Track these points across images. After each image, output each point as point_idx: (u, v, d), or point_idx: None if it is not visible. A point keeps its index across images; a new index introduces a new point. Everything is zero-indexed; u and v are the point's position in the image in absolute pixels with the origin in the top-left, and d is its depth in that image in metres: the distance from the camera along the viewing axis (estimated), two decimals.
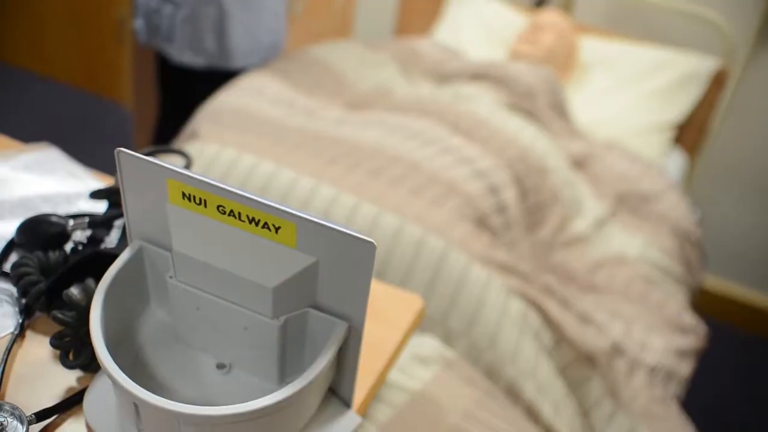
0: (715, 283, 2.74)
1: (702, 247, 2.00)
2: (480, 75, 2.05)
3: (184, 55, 1.96)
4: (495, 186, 1.52)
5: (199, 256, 0.63)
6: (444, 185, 1.44)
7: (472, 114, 1.75)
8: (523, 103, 1.97)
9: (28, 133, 2.98)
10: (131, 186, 0.63)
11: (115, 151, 0.61)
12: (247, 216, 0.59)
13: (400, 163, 1.48)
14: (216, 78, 1.99)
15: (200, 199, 0.60)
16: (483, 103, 1.86)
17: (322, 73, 1.95)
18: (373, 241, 0.56)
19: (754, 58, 2.48)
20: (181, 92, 2.11)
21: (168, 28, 1.96)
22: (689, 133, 2.46)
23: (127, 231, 0.67)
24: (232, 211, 0.60)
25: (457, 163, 1.52)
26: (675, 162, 2.39)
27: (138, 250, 0.67)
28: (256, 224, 0.59)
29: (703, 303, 2.37)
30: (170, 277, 0.66)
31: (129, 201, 0.65)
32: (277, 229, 0.59)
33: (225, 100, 1.72)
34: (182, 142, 1.62)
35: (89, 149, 3.02)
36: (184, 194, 0.61)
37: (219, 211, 0.60)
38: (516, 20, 2.53)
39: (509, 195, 1.55)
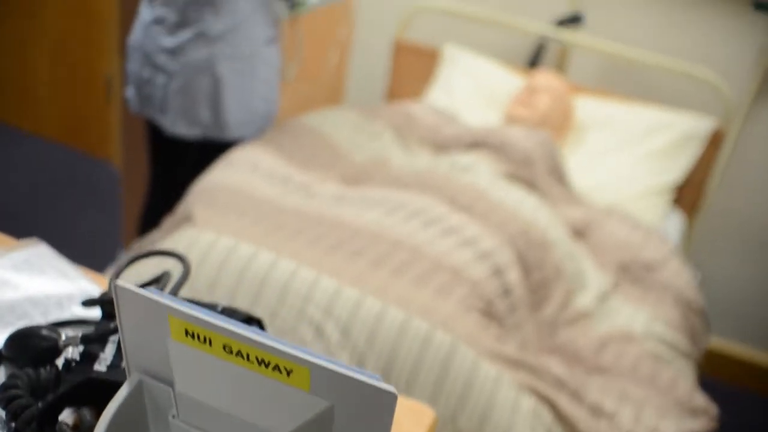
0: (718, 343, 2.70)
1: (705, 314, 1.96)
2: (477, 143, 2.03)
3: (177, 126, 1.92)
4: (499, 267, 1.48)
5: (203, 398, 0.58)
6: (448, 272, 1.41)
7: (471, 187, 1.72)
8: (521, 171, 1.94)
9: (16, 191, 2.95)
10: (130, 319, 0.59)
11: (112, 284, 0.57)
12: (256, 357, 0.55)
13: (403, 249, 1.44)
14: (210, 148, 1.95)
15: (205, 338, 0.56)
16: (482, 174, 1.83)
17: (316, 144, 1.92)
18: (393, 390, 0.52)
19: (752, 116, 2.47)
20: (173, 162, 2.07)
21: (161, 98, 1.92)
22: (687, 193, 2.44)
23: (125, 363, 0.62)
24: (239, 351, 0.55)
25: (460, 246, 1.48)
26: (674, 223, 2.37)
27: (137, 384, 0.62)
28: (266, 366, 0.55)
29: (707, 364, 2.33)
30: (173, 416, 0.61)
31: (127, 334, 0.60)
32: (288, 372, 0.54)
33: (219, 178, 1.68)
34: (176, 226, 1.57)
35: (78, 209, 2.99)
36: (187, 331, 0.57)
37: (225, 351, 0.56)
38: (510, 80, 2.52)
39: (513, 275, 1.52)
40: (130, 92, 2.03)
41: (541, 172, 2.03)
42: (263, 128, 2.03)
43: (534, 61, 2.63)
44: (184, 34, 1.86)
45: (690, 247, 2.48)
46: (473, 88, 2.52)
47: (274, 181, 1.70)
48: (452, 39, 2.72)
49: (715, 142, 2.40)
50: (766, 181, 2.56)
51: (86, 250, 2.70)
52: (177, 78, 1.89)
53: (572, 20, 2.54)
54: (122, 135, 2.47)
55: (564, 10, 2.58)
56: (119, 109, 2.40)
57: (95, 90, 3.24)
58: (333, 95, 2.69)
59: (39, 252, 0.99)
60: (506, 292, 1.50)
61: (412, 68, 2.67)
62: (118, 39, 2.43)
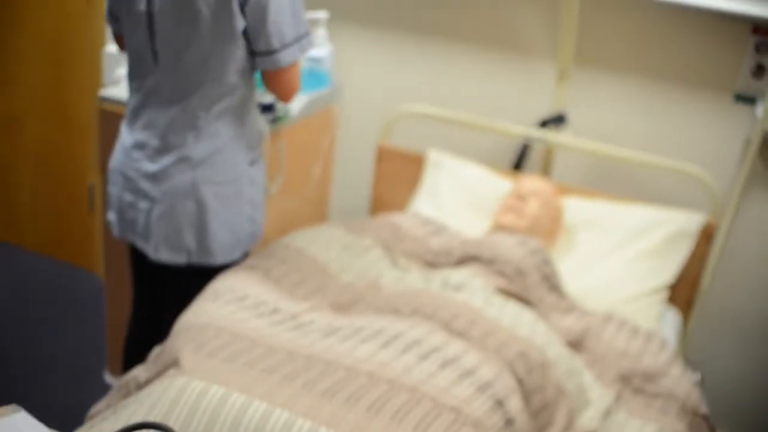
0: None
1: (709, 420, 1.91)
2: (468, 257, 2.00)
3: (160, 253, 1.87)
4: (500, 398, 1.44)
5: None
6: (450, 412, 1.36)
7: (466, 307, 1.68)
8: (514, 285, 1.91)
9: None
10: None
11: None
12: None
13: (401, 390, 1.39)
14: (195, 272, 1.90)
15: None
16: (475, 292, 1.80)
17: (304, 266, 1.87)
18: None
19: (742, 208, 2.46)
20: (157, 286, 2.02)
21: (143, 225, 1.88)
22: (681, 290, 2.41)
23: None
24: None
25: (459, 379, 1.44)
26: (670, 321, 2.33)
27: None
28: None
29: None
30: None
31: None
32: None
33: (206, 313, 1.63)
34: (163, 367, 1.51)
35: (62, 324, 2.93)
36: None
37: None
38: (496, 184, 2.50)
39: (514, 403, 1.47)
40: (111, 216, 1.99)
41: (534, 283, 2.00)
42: (250, 249, 1.99)
43: (519, 163, 2.62)
44: (166, 159, 1.83)
45: (686, 345, 2.44)
46: (460, 193, 2.50)
47: (263, 312, 1.65)
48: (436, 143, 2.72)
49: (706, 236, 2.38)
50: (759, 273, 2.53)
51: (70, 375, 2.64)
52: (160, 204, 1.85)
53: (555, 120, 2.54)
54: (105, 244, 2.44)
55: (547, 110, 2.58)
56: (101, 218, 2.37)
57: (77, 199, 3.22)
58: (317, 206, 2.67)
59: (17, 419, 0.93)
60: (508, 422, 1.46)
61: (396, 174, 2.66)
62: (98, 152, 2.40)
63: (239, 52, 1.75)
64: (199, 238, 1.86)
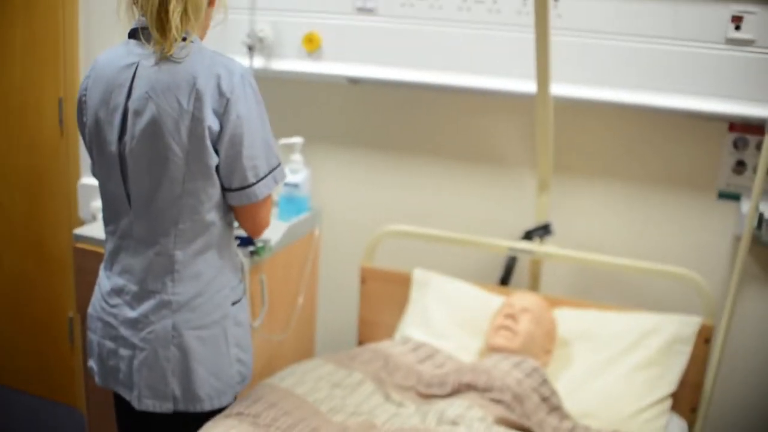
0: None
1: None
2: (463, 386, 1.93)
3: (144, 403, 1.79)
4: None
5: None
6: None
7: None
8: (513, 413, 1.84)
9: None
10: None
11: None
12: None
13: None
14: (183, 421, 1.82)
15: None
16: (473, 425, 1.73)
17: (293, 409, 1.80)
18: None
19: (737, 306, 2.42)
20: None
21: (126, 373, 1.81)
22: (684, 396, 2.33)
23: None
24: None
25: None
26: (675, 430, 2.25)
27: None
28: None
29: None
30: None
31: None
32: None
33: None
34: None
35: None
36: None
37: None
38: (484, 300, 2.45)
39: None
40: (92, 364, 1.92)
41: (533, 406, 1.93)
42: (238, 391, 1.91)
43: (506, 276, 2.58)
44: (146, 305, 1.77)
45: None
46: (448, 313, 2.44)
47: None
48: (421, 261, 2.67)
49: (703, 339, 2.32)
50: (763, 372, 2.48)
51: None
52: (141, 351, 1.78)
53: (541, 231, 2.51)
54: (86, 378, 2.36)
55: (531, 221, 2.55)
56: (81, 351, 2.29)
57: (57, 333, 3.13)
58: (304, 336, 2.60)
59: None
60: None
61: (383, 296, 2.60)
62: (74, 290, 2.34)
63: (213, 189, 1.71)
64: (185, 384, 1.78)
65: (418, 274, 2.56)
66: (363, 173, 2.80)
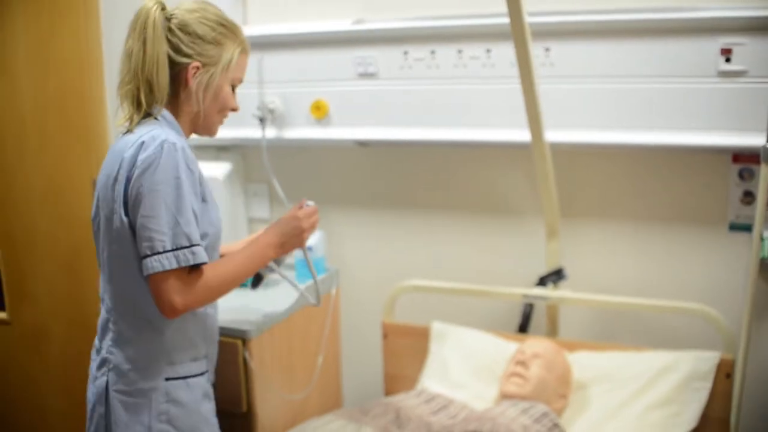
0: None
1: None
2: None
3: None
4: None
5: None
6: None
7: None
8: None
9: None
10: None
11: None
12: None
13: None
14: None
15: None
16: None
17: None
18: None
19: (755, 339, 2.39)
20: None
21: None
22: None
23: None
24: None
25: None
26: None
27: None
28: None
29: None
30: None
31: None
32: None
33: None
34: None
35: None
36: None
37: None
38: (503, 349, 2.47)
39: None
40: None
41: None
42: None
43: (524, 324, 2.60)
44: (96, 361, 1.78)
45: None
46: (467, 363, 2.47)
47: None
48: (439, 313, 2.72)
49: (724, 374, 2.30)
50: None
51: None
52: (90, 406, 1.79)
53: (554, 277, 2.53)
54: None
55: (543, 268, 2.58)
56: None
57: None
58: (330, 394, 2.65)
59: None
60: None
61: (404, 349, 2.64)
62: None
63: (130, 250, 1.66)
64: None
65: (437, 327, 2.61)
66: (377, 231, 2.87)
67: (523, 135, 2.36)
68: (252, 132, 2.76)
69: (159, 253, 1.58)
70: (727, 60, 2.25)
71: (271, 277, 2.22)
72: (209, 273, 1.65)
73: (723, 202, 2.44)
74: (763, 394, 2.45)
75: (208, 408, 1.81)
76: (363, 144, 2.75)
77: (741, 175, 2.41)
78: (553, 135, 2.38)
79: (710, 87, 2.28)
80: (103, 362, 1.74)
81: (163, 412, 1.71)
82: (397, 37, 2.57)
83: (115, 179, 1.64)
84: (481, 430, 1.96)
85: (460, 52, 2.51)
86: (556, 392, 2.25)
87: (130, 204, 1.61)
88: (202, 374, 1.80)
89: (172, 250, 1.59)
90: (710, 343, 2.38)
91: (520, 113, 2.29)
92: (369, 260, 2.90)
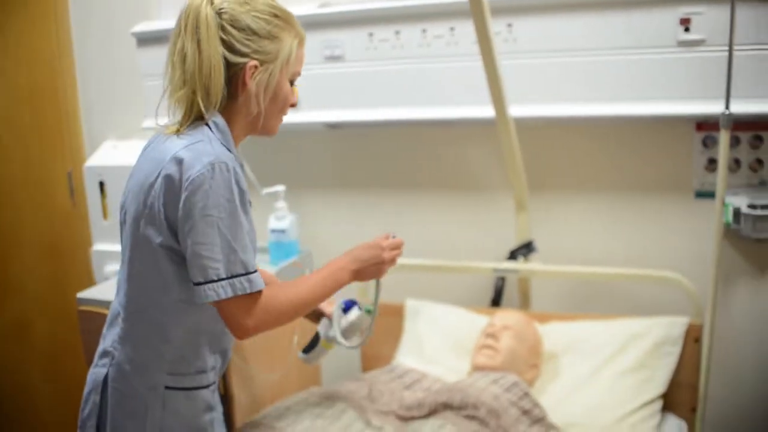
0: None
1: None
2: (439, 406, 1.99)
3: None
4: None
5: None
6: None
7: None
8: (486, 427, 1.90)
9: None
10: None
11: None
12: None
13: None
14: None
15: None
16: None
17: None
18: None
19: (722, 302, 2.44)
20: None
21: None
22: (682, 397, 2.35)
23: None
24: None
25: None
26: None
27: None
28: None
29: None
30: None
31: None
32: None
33: None
34: None
35: None
36: None
37: None
38: (475, 323, 2.50)
39: None
40: None
41: (511, 420, 1.97)
42: None
43: (497, 298, 2.63)
44: (99, 349, 1.70)
45: None
46: (440, 338, 2.50)
47: None
48: (413, 292, 2.74)
49: (694, 339, 2.34)
50: (759, 364, 2.48)
51: None
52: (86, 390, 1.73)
53: (525, 250, 2.56)
54: None
55: (513, 242, 2.60)
56: None
57: None
58: (307, 375, 2.67)
59: None
60: None
61: (380, 328, 2.64)
62: (83, 354, 2.42)
63: (162, 264, 1.56)
64: None
65: (411, 304, 2.64)
66: (349, 212, 2.90)
67: (489, 111, 2.39)
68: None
69: (213, 281, 1.48)
70: (686, 30, 2.29)
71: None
72: (280, 295, 1.56)
73: (688, 171, 2.48)
74: (731, 358, 2.49)
75: (208, 419, 1.71)
76: (332, 126, 2.77)
77: (705, 143, 2.45)
78: (517, 110, 2.41)
79: (671, 57, 2.32)
80: (106, 353, 1.67)
81: (155, 418, 1.63)
82: (362, 18, 2.59)
83: (151, 186, 1.51)
84: (452, 401, 2.00)
85: (424, 31, 2.53)
86: (527, 363, 2.28)
87: (177, 225, 1.49)
88: (206, 387, 1.71)
89: (228, 278, 1.48)
90: (681, 310, 2.42)
91: (485, 90, 2.31)
92: (342, 241, 2.89)
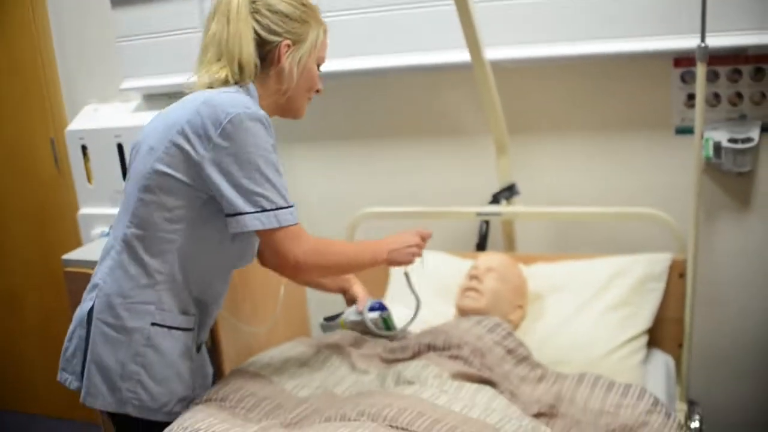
0: None
1: None
2: (423, 347, 2.00)
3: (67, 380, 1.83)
4: None
5: None
6: None
7: (414, 401, 1.66)
8: (470, 366, 1.90)
9: None
10: None
11: None
12: None
13: None
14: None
15: None
16: (426, 382, 1.79)
17: (258, 390, 1.85)
18: None
19: (705, 237, 2.44)
20: None
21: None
22: (668, 333, 2.37)
23: None
24: None
25: None
26: (660, 366, 2.28)
27: None
28: None
29: None
30: None
31: None
32: None
33: None
34: None
35: None
36: None
37: None
38: (460, 266, 2.51)
39: None
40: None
41: (496, 360, 1.98)
42: (130, 413, 1.77)
43: (482, 242, 2.64)
44: (90, 283, 1.79)
45: (683, 387, 2.37)
46: (427, 284, 2.51)
47: None
48: None
49: (678, 275, 2.35)
50: (742, 297, 2.49)
51: None
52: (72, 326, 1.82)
53: (507, 193, 2.56)
54: None
55: (496, 185, 2.61)
56: None
57: None
58: (295, 326, 2.69)
59: None
60: None
61: (368, 276, 2.67)
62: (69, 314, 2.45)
63: (169, 198, 1.66)
64: (82, 369, 1.77)
65: None
66: (332, 164, 2.91)
67: (465, 55, 2.38)
68: None
69: (259, 211, 1.61)
70: None
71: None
72: (329, 242, 1.79)
73: (667, 107, 2.48)
74: (715, 292, 2.50)
75: (186, 367, 1.79)
76: None
77: (683, 79, 2.44)
78: (494, 53, 2.40)
79: None
80: (94, 287, 1.76)
81: (140, 354, 1.72)
82: None
83: (184, 123, 1.62)
84: (436, 342, 2.01)
85: None
86: (512, 304, 2.29)
87: (204, 162, 1.60)
88: (188, 330, 1.79)
89: (273, 209, 1.63)
90: (665, 247, 2.43)
91: (459, 34, 2.30)
92: (326, 192, 2.93)
